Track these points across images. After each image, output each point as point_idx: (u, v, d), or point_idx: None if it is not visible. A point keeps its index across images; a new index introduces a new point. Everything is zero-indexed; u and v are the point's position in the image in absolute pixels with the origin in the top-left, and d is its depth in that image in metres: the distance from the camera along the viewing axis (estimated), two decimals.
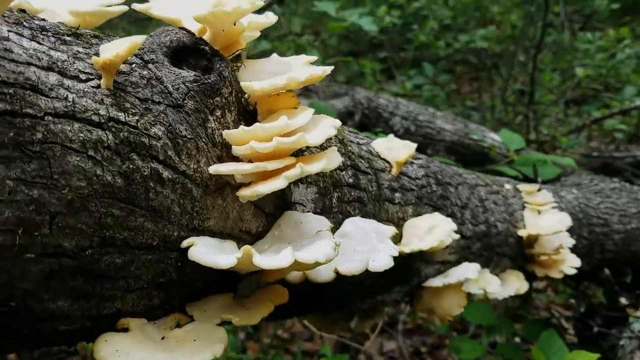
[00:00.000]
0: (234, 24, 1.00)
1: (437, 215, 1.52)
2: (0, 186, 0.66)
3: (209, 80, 0.92)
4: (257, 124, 0.88)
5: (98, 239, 0.77)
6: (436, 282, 1.67)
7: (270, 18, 1.13)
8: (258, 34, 1.11)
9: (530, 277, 2.36)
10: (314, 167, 0.87)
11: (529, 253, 2.32)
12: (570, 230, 2.37)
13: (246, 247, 0.81)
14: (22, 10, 0.87)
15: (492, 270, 2.07)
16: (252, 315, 0.92)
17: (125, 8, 1.06)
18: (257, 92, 0.95)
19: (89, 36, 0.90)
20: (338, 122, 0.94)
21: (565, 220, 2.25)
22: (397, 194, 1.47)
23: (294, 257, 0.82)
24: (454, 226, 1.48)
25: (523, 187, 2.50)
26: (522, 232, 2.25)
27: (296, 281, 1.06)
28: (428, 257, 1.65)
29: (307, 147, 1.08)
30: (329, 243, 0.89)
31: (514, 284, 2.17)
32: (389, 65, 7.75)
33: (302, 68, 1.00)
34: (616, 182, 3.70)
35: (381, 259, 1.06)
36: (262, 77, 1.01)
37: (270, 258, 0.82)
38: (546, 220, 2.31)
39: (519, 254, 2.30)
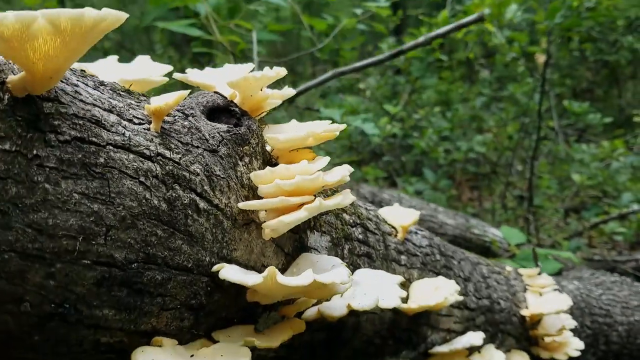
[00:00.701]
0: (261, 90, 1.17)
1: (441, 278, 1.62)
2: (69, 197, 0.79)
3: (240, 131, 1.07)
4: (281, 165, 1.02)
5: (143, 255, 0.88)
6: (443, 348, 1.73)
7: (289, 90, 1.30)
8: (279, 102, 1.28)
9: None
10: (331, 201, 0.99)
11: (533, 335, 2.37)
12: (573, 318, 2.44)
13: (271, 267, 0.92)
14: (83, 70, 1.03)
15: (497, 347, 2.11)
16: (273, 339, 1.01)
17: (166, 79, 1.23)
18: (281, 143, 1.10)
19: (137, 94, 1.06)
20: (351, 169, 1.08)
21: (567, 300, 2.31)
22: (403, 257, 1.57)
23: (313, 278, 0.93)
24: (458, 287, 1.56)
25: (524, 271, 2.58)
26: (525, 312, 2.31)
27: (311, 318, 1.14)
28: (434, 323, 1.72)
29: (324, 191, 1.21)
30: (345, 271, 1.00)
31: None
32: (390, 173, 8.02)
33: (320, 125, 1.15)
34: (617, 276, 3.77)
35: (390, 298, 1.15)
36: None
37: (292, 278, 0.92)
38: (548, 301, 2.37)
39: (523, 334, 2.35)
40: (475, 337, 1.74)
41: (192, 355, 0.94)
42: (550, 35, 5.84)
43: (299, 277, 0.93)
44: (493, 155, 7.96)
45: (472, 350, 1.92)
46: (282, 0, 3.84)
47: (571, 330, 2.49)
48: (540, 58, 7.29)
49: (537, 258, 2.81)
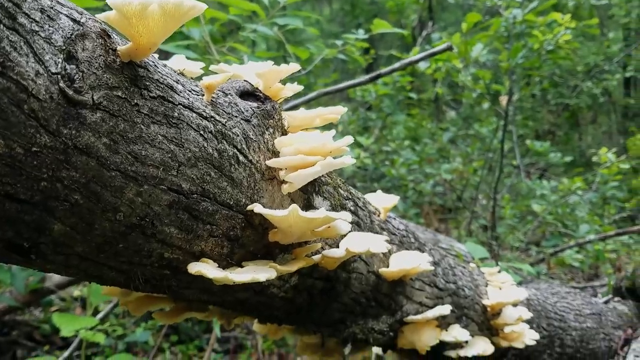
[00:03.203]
0: (279, 82, 1.49)
1: (416, 252, 1.93)
2: (155, 137, 1.08)
3: (267, 108, 1.38)
4: (300, 132, 1.32)
5: (200, 189, 1.17)
6: (417, 317, 2.02)
7: (298, 86, 1.61)
8: (291, 93, 1.59)
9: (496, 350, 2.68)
10: (338, 161, 1.30)
11: (494, 325, 2.68)
12: (530, 320, 2.76)
13: (293, 204, 1.21)
14: None
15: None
16: (290, 266, 1.30)
17: (202, 71, 1.53)
18: (296, 119, 1.41)
19: (189, 76, 1.36)
20: (352, 139, 1.39)
21: (524, 292, 2.64)
22: (384, 232, 1.88)
23: (326, 214, 1.23)
24: (430, 258, 1.87)
25: (485, 269, 2.92)
26: (486, 302, 2.63)
27: (317, 261, 1.44)
28: (409, 294, 2.02)
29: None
30: (348, 213, 1.30)
31: (481, 345, 2.50)
32: None
33: (325, 109, 1.47)
34: (571, 288, 4.13)
35: (378, 246, 1.46)
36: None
37: (309, 212, 1.22)
38: (507, 293, 2.69)
39: (485, 324, 2.65)
40: (444, 309, 2.04)
41: (230, 272, 1.23)
42: (512, 74, 6.31)
43: (315, 212, 1.23)
44: (459, 184, 8.38)
45: (441, 326, 2.23)
46: (269, 30, 4.20)
47: (528, 322, 2.82)
48: (504, 100, 7.80)
49: (497, 260, 3.13)
